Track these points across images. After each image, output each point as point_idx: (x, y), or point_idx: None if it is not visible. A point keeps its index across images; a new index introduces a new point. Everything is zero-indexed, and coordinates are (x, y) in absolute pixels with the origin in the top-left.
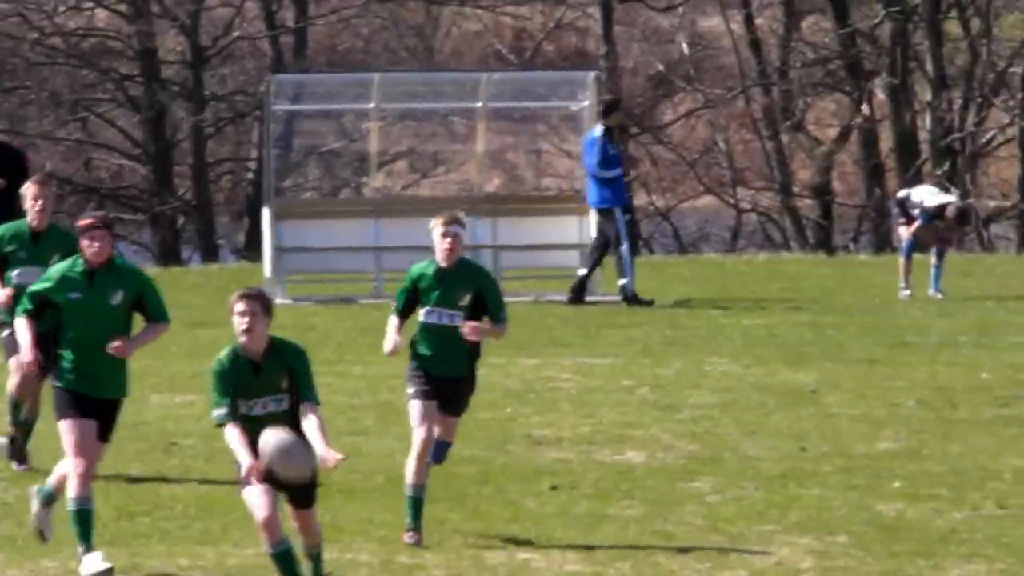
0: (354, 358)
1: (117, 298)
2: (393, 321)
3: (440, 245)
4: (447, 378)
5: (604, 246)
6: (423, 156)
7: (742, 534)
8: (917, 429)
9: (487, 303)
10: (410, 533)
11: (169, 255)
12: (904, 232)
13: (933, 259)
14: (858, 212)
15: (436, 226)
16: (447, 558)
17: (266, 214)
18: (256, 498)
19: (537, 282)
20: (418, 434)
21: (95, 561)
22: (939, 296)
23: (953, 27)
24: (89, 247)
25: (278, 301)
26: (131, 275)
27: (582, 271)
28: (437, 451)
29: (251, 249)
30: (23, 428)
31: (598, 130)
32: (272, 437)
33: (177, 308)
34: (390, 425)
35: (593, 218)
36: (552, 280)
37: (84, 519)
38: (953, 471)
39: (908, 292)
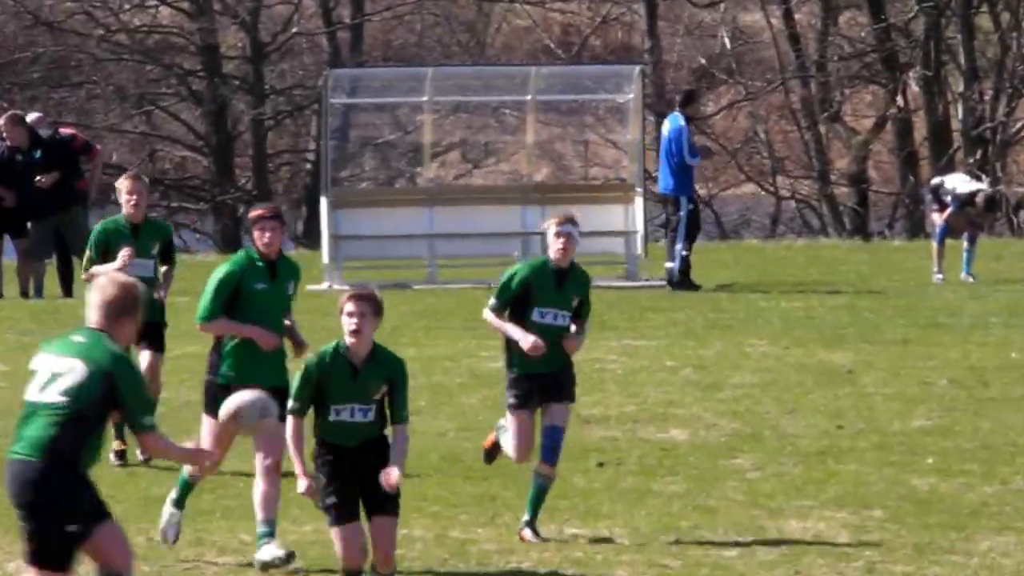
0: (408, 341)
1: (291, 288)
2: (507, 322)
3: (554, 245)
4: (548, 373)
5: (693, 227)
6: (475, 147)
7: (781, 509)
8: (949, 407)
9: (584, 307)
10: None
11: (230, 242)
12: (937, 218)
13: (965, 244)
14: (893, 199)
15: (551, 225)
16: (498, 532)
17: (324, 203)
18: (345, 538)
19: (585, 268)
20: (513, 448)
21: (172, 517)
22: (971, 280)
23: (984, 21)
24: (261, 238)
25: (335, 286)
26: (293, 266)
27: (684, 252)
28: (553, 451)
29: (309, 237)
30: None
31: (681, 119)
32: (249, 394)
33: None
34: (442, 405)
35: (639, 205)
36: (598, 265)
37: (186, 485)
38: (984, 447)
39: (941, 276)
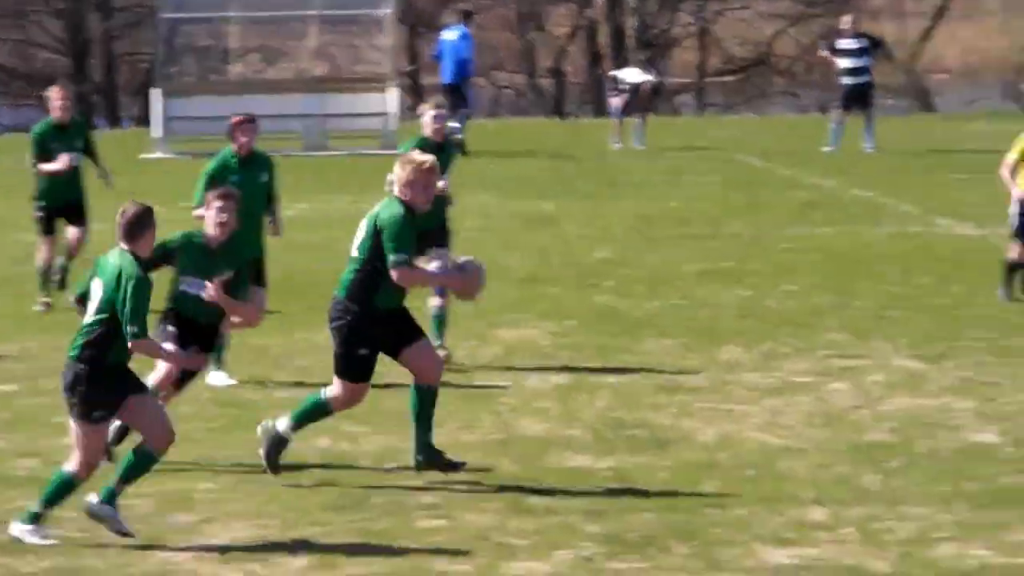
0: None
1: (264, 178)
2: None
3: (431, 125)
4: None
5: (464, 107)
6: (271, 51)
7: (501, 321)
8: (625, 244)
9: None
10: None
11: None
12: (616, 101)
13: (636, 120)
14: (582, 87)
15: (427, 109)
16: None
17: (155, 93)
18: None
19: (352, 140)
20: None
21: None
22: (641, 148)
23: None
24: (242, 136)
25: (163, 155)
26: (267, 160)
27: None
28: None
29: (144, 118)
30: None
31: (464, 30)
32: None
33: None
34: None
35: (396, 93)
36: (363, 139)
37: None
38: (650, 275)
39: (619, 145)
